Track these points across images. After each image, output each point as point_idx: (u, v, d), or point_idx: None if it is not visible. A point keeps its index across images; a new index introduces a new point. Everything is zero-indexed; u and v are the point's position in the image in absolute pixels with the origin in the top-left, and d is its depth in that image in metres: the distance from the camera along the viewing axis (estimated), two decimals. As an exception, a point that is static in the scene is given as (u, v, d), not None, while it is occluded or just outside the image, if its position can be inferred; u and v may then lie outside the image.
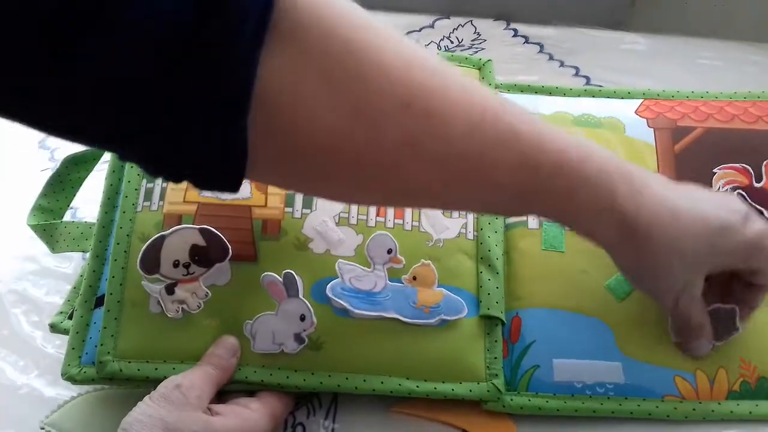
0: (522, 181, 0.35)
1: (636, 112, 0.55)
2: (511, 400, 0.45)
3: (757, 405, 0.45)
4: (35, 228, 0.53)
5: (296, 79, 0.29)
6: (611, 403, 0.45)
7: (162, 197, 0.48)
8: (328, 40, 0.29)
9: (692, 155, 0.53)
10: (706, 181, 0.52)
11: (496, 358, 0.46)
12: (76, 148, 0.62)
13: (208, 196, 0.48)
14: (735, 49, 0.74)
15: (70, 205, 0.56)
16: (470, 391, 0.45)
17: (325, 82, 0.29)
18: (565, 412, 0.45)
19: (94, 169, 0.57)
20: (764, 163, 0.52)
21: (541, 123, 0.36)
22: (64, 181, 0.56)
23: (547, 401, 0.45)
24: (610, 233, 0.39)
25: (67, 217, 0.56)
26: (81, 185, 0.56)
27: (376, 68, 0.30)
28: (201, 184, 0.32)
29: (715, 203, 0.42)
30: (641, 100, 0.56)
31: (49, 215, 0.55)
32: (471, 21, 0.79)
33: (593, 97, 0.57)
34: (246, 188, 0.48)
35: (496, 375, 0.45)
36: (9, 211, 0.58)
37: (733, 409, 0.45)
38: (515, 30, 0.78)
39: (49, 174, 0.55)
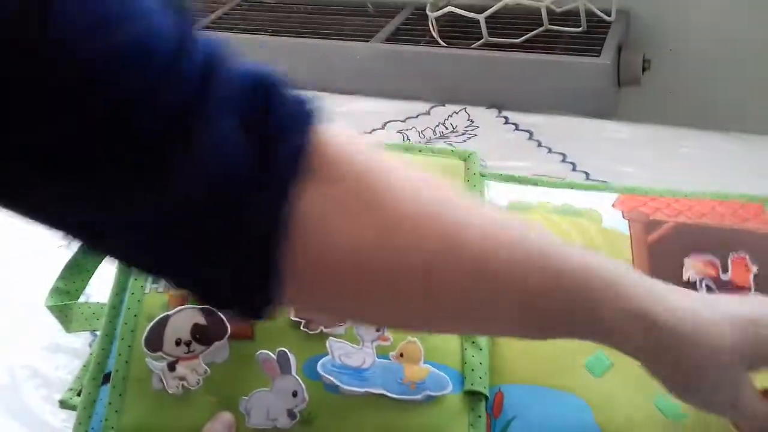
0: (538, 294, 0.36)
1: (613, 205, 0.59)
2: (494, 474, 0.47)
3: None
4: (52, 309, 0.57)
5: (324, 210, 0.33)
6: (590, 478, 0.47)
7: (168, 280, 0.52)
8: (350, 173, 0.34)
9: (664, 246, 0.56)
10: (677, 270, 0.55)
11: (479, 432, 0.48)
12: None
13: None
14: (715, 138, 0.77)
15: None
16: (454, 465, 0.46)
17: (347, 211, 0.33)
18: (545, 487, 0.47)
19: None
20: (730, 257, 0.55)
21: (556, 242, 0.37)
22: (81, 265, 0.60)
23: (527, 476, 0.47)
24: (635, 337, 0.38)
25: (81, 299, 0.59)
26: (96, 269, 0.60)
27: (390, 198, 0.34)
28: (245, 314, 0.35)
29: (736, 300, 0.41)
30: (618, 195, 0.60)
31: (65, 297, 0.58)
32: (465, 108, 0.84)
33: (573, 189, 0.61)
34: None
35: (480, 449, 0.47)
36: (24, 287, 0.61)
37: (710, 488, 0.46)
38: (506, 117, 0.82)
39: (65, 251, 0.59)
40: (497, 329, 0.42)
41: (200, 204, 0.30)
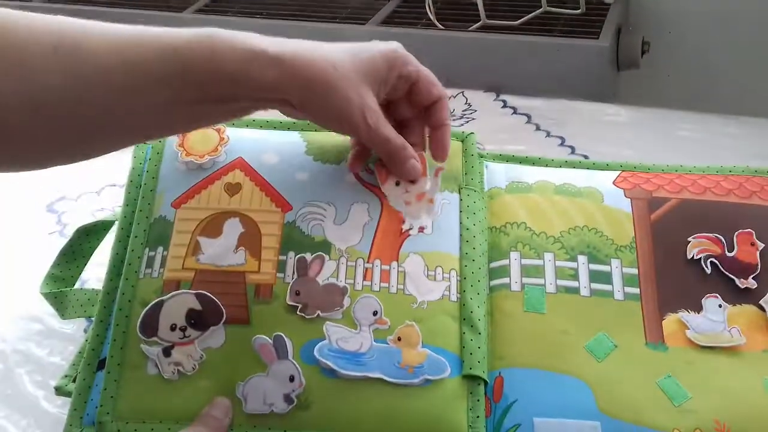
0: (170, 67, 0.41)
1: (614, 183, 0.58)
2: (494, 458, 0.46)
3: (730, 465, 0.46)
4: (47, 296, 0.56)
5: None
6: (591, 461, 0.46)
7: (163, 265, 0.51)
8: None
9: (667, 224, 0.55)
10: (681, 248, 0.54)
11: (478, 417, 0.47)
12: (84, 214, 0.65)
13: (205, 263, 0.51)
14: (713, 121, 0.77)
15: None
16: (453, 450, 0.46)
17: None
18: (546, 471, 0.46)
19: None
20: (735, 233, 0.54)
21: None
22: (76, 251, 0.59)
23: (528, 460, 0.46)
24: (267, 75, 0.43)
25: (76, 285, 0.59)
26: (92, 255, 0.59)
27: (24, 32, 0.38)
28: None
29: (344, 44, 0.48)
30: (619, 172, 0.59)
31: (61, 284, 0.58)
32: (462, 92, 0.83)
33: (573, 168, 0.60)
34: (240, 255, 0.51)
35: (479, 433, 0.46)
36: (16, 273, 0.61)
37: (708, 470, 0.46)
38: (504, 101, 0.82)
39: (56, 237, 0.58)
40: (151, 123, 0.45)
41: None
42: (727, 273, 0.53)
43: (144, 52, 0.41)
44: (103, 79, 0.40)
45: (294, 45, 0.45)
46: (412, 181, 0.54)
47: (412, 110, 0.54)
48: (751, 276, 0.53)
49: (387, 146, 0.51)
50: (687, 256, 0.54)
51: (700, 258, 0.53)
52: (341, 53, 0.47)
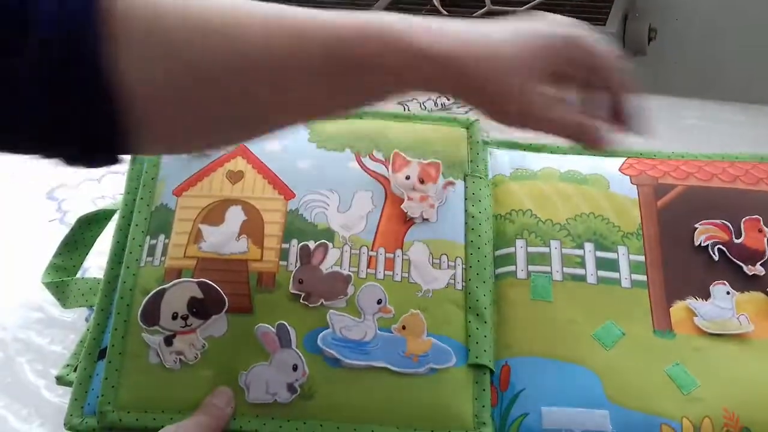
0: (327, 62, 0.39)
1: (620, 170, 0.58)
2: (501, 448, 0.46)
3: (740, 455, 0.46)
4: (49, 286, 0.56)
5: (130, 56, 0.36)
6: (599, 450, 0.46)
7: (164, 253, 0.51)
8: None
9: (674, 211, 0.55)
10: (688, 235, 0.53)
11: (484, 406, 0.47)
12: (84, 201, 0.65)
13: (207, 251, 0.50)
14: (720, 109, 0.76)
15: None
16: (458, 439, 0.45)
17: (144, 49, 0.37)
18: (554, 460, 0.46)
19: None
20: (743, 220, 0.54)
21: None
22: (78, 241, 0.59)
23: (536, 449, 0.46)
24: (427, 72, 0.41)
25: (78, 274, 0.58)
26: (93, 244, 0.59)
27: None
28: (91, 155, 0.39)
29: (512, 22, 0.44)
30: (624, 159, 0.59)
31: (63, 273, 0.57)
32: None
33: (579, 155, 0.60)
34: (242, 243, 0.51)
35: (484, 423, 0.46)
36: (16, 261, 0.60)
37: (717, 458, 0.46)
38: (509, 89, 0.81)
39: (56, 225, 0.58)
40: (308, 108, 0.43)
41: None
42: (734, 260, 0.52)
43: (309, 38, 0.39)
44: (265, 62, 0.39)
45: (454, 34, 0.41)
46: (422, 182, 0.54)
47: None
48: (759, 262, 0.52)
49: (561, 127, 0.45)
50: (694, 242, 0.53)
51: (708, 245, 0.53)
52: (507, 35, 0.42)
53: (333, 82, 0.40)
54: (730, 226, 0.53)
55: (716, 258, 0.52)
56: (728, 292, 0.51)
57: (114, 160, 0.40)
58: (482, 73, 0.41)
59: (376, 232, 0.52)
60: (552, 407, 0.47)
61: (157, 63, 0.37)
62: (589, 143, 0.45)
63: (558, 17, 0.45)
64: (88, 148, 0.38)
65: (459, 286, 0.50)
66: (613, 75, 0.45)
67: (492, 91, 0.42)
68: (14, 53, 0.34)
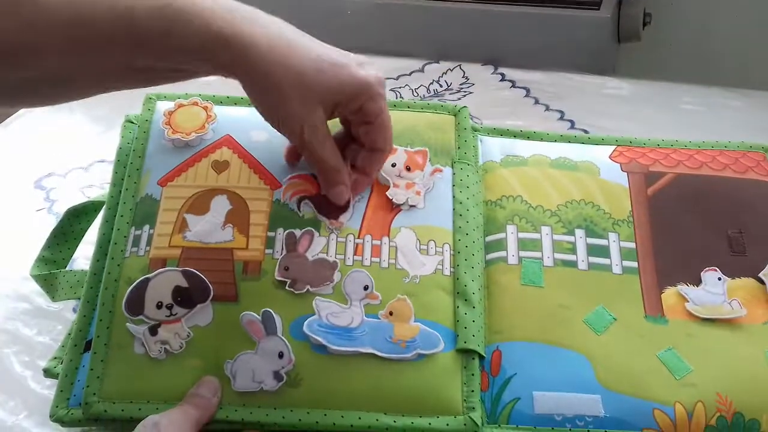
0: (123, 33, 0.41)
1: (610, 157, 0.57)
2: (491, 432, 0.45)
3: (733, 440, 0.45)
4: (37, 278, 0.55)
5: None
6: (591, 435, 0.45)
7: (149, 243, 0.50)
8: None
9: (664, 198, 0.55)
10: (678, 222, 0.53)
11: (473, 391, 0.46)
12: (72, 190, 0.64)
13: (192, 240, 0.50)
14: (716, 94, 0.76)
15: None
16: (447, 425, 0.45)
17: None
18: (545, 445, 0.45)
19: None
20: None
21: None
22: (67, 233, 0.58)
23: (526, 434, 0.45)
24: (221, 56, 0.42)
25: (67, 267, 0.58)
26: (83, 237, 0.58)
27: None
28: None
29: (332, 48, 0.47)
30: (614, 146, 0.58)
31: (52, 266, 0.57)
32: (460, 65, 0.81)
33: (569, 142, 0.59)
34: (228, 232, 0.50)
35: (474, 408, 0.45)
36: (3, 251, 0.60)
37: (710, 443, 0.45)
38: (503, 74, 0.80)
39: (44, 214, 0.57)
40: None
41: None
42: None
43: (99, 11, 0.40)
44: (57, 32, 0.40)
45: (268, 33, 0.44)
46: (408, 169, 0.53)
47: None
48: None
49: (320, 165, 0.49)
50: (685, 230, 0.53)
51: (698, 232, 0.53)
52: (310, 63, 0.45)
53: (127, 52, 0.42)
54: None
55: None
56: (720, 278, 0.51)
57: None
58: (282, 87, 0.44)
59: (362, 220, 0.51)
60: (544, 392, 0.46)
61: None
62: (328, 189, 0.50)
63: (364, 68, 0.47)
64: None
65: (447, 272, 0.50)
66: (387, 136, 0.50)
67: (284, 106, 0.45)
68: None
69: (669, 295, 0.50)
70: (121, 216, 0.52)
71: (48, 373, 0.50)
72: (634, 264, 0.51)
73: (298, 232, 0.50)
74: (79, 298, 0.55)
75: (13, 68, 0.41)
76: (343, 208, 0.51)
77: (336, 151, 0.49)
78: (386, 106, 0.49)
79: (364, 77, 0.47)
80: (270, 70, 0.44)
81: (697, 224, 0.54)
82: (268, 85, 0.44)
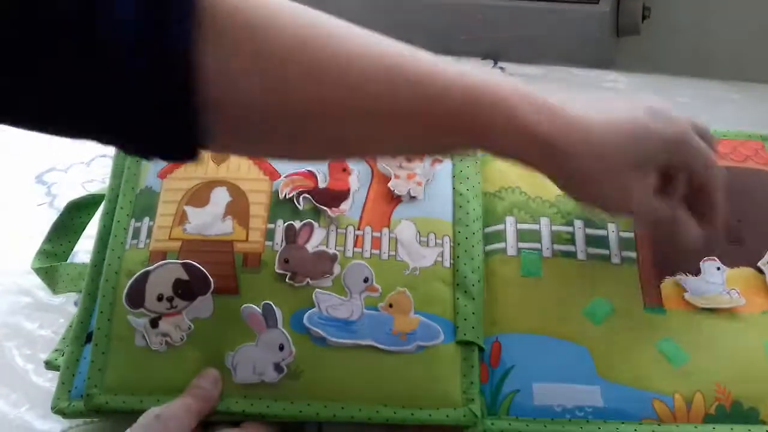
0: (424, 113, 0.38)
1: None
2: (492, 424, 0.45)
3: (732, 429, 0.45)
4: (38, 271, 0.55)
5: (222, 61, 0.35)
6: (590, 426, 0.45)
7: (149, 235, 0.50)
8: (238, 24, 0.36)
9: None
10: None
11: (472, 383, 0.46)
12: (74, 185, 0.65)
13: (192, 232, 0.50)
14: (714, 87, 0.75)
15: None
16: (447, 416, 0.45)
17: (240, 59, 0.36)
18: (545, 437, 0.45)
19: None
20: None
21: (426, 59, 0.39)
22: (68, 227, 0.58)
23: (527, 425, 0.45)
24: (531, 154, 0.41)
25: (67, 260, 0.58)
26: (84, 230, 0.58)
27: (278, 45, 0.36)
28: (170, 152, 0.37)
29: (626, 110, 0.44)
30: None
31: (53, 259, 0.57)
32: (459, 60, 0.81)
33: None
34: (228, 224, 0.50)
35: (473, 400, 0.46)
36: (4, 245, 0.60)
37: (709, 433, 0.45)
38: (502, 68, 0.80)
39: (45, 209, 0.57)
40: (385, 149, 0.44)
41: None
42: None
43: (413, 89, 0.38)
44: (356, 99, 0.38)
45: (567, 121, 0.40)
46: (408, 159, 0.53)
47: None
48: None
49: (656, 225, 0.47)
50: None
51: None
52: (618, 138, 0.42)
53: (429, 137, 0.40)
54: None
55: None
56: (719, 268, 0.51)
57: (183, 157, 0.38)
58: (592, 174, 0.42)
59: (362, 211, 0.51)
60: (543, 383, 0.46)
61: (254, 78, 0.36)
62: (682, 243, 0.46)
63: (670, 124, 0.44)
64: (164, 146, 0.37)
65: (447, 264, 0.50)
66: (713, 182, 0.46)
67: (597, 192, 0.43)
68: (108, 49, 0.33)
69: (667, 285, 0.50)
70: (122, 208, 0.52)
71: (49, 365, 0.50)
72: (633, 254, 0.51)
73: (297, 224, 0.50)
74: (80, 291, 0.55)
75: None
76: (343, 197, 0.51)
77: (667, 203, 0.45)
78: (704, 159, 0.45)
79: (673, 136, 0.44)
80: (579, 167, 0.42)
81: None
82: (577, 177, 0.42)
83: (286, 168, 0.53)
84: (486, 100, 0.39)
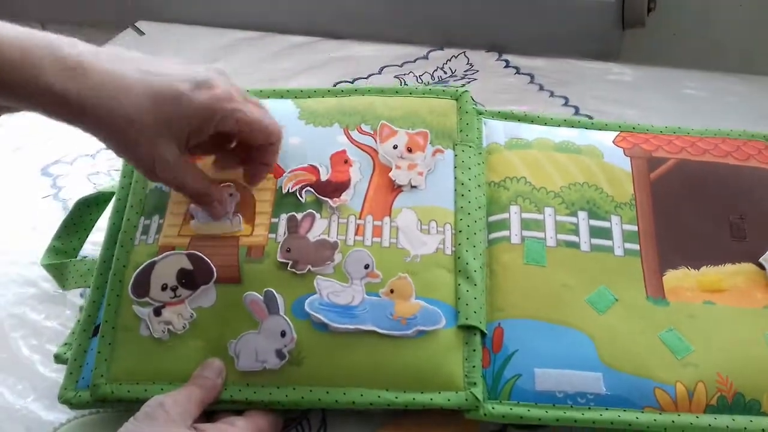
0: None
1: (613, 142, 0.57)
2: (493, 408, 0.45)
3: (733, 419, 0.45)
4: (48, 268, 0.56)
5: None
6: (592, 413, 0.45)
7: (158, 232, 0.51)
8: None
9: (667, 183, 0.55)
10: (680, 207, 0.54)
11: (474, 367, 0.46)
12: (79, 177, 0.65)
13: (201, 230, 0.51)
14: (720, 79, 0.75)
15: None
16: (449, 400, 0.45)
17: None
18: (546, 422, 0.45)
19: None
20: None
21: None
22: (77, 224, 0.59)
23: (528, 410, 0.45)
24: (61, 114, 0.42)
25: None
26: (93, 227, 0.59)
27: None
28: None
29: (170, 74, 0.45)
30: (618, 132, 0.59)
31: (62, 256, 0.58)
32: (464, 52, 0.81)
33: (573, 127, 0.59)
34: (236, 222, 0.51)
35: (475, 384, 0.46)
36: (10, 237, 0.60)
37: (710, 423, 0.45)
38: (507, 61, 0.80)
39: (51, 201, 0.58)
40: None
41: None
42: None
43: None
44: None
45: (101, 80, 0.42)
46: (410, 150, 0.53)
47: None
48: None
49: (185, 193, 0.49)
50: (687, 214, 0.53)
51: (699, 217, 0.53)
52: (146, 100, 0.44)
53: None
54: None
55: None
56: None
57: None
58: (124, 134, 0.44)
59: (364, 201, 0.51)
60: (545, 369, 0.47)
61: None
62: (207, 210, 0.50)
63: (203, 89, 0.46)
64: None
65: (448, 251, 0.50)
66: (265, 132, 0.49)
67: (131, 151, 0.45)
68: None
69: (670, 277, 0.50)
70: (131, 206, 0.53)
71: (59, 359, 0.51)
72: (636, 246, 0.52)
73: (299, 215, 0.50)
74: (88, 287, 0.56)
75: None
76: (345, 188, 0.51)
77: (197, 174, 0.49)
78: (243, 107, 0.47)
79: (205, 104, 0.45)
80: (110, 127, 0.43)
81: (699, 209, 0.54)
82: (112, 138, 0.44)
83: (290, 164, 0.53)
84: (14, 56, 0.40)
